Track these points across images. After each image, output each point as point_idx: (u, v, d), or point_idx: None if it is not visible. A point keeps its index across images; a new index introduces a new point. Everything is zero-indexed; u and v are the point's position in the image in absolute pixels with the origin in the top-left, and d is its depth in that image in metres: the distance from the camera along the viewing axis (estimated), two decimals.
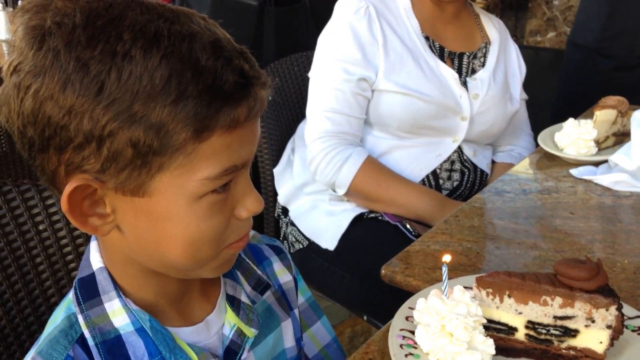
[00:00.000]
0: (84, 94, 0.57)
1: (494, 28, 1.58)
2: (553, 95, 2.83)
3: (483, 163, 1.54)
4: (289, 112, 1.72)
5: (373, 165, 1.41)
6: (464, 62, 1.50)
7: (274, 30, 2.43)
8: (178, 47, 0.58)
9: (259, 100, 0.63)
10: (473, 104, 1.47)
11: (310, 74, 1.47)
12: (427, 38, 1.47)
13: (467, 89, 1.47)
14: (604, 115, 1.43)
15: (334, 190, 1.44)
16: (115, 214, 0.64)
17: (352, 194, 1.42)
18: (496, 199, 1.25)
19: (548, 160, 1.41)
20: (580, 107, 1.75)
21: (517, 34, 3.82)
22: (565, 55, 2.25)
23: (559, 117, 1.70)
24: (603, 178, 1.29)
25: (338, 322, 2.17)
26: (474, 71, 1.50)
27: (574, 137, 1.40)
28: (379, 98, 1.41)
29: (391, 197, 1.40)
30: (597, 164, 1.37)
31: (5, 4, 2.48)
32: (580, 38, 2.12)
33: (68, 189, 0.61)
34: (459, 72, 1.48)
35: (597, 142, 1.41)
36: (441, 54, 1.48)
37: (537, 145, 1.48)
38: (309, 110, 1.45)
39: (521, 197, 1.26)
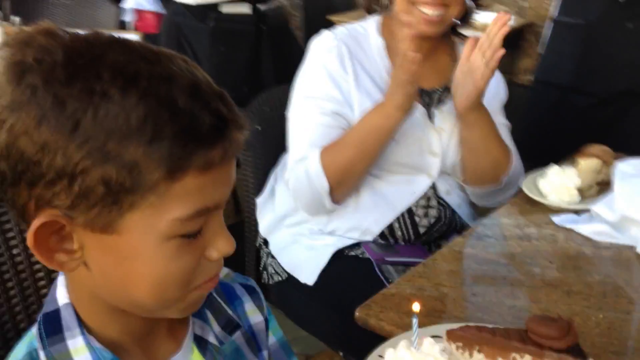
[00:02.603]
0: (59, 131, 0.57)
1: None
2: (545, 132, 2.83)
3: (455, 203, 1.53)
4: (277, 141, 1.72)
5: (328, 145, 1.39)
6: (435, 97, 1.50)
7: (271, 51, 2.48)
8: (156, 88, 0.58)
9: (234, 142, 0.63)
10: (442, 138, 1.47)
11: (288, 114, 1.48)
12: None
13: (434, 123, 1.47)
14: (588, 164, 1.44)
15: (325, 206, 1.40)
16: (83, 250, 0.63)
17: (337, 183, 1.38)
18: (476, 243, 1.25)
19: (530, 206, 1.42)
20: (557, 147, 1.74)
21: (510, 72, 3.86)
22: (533, 95, 2.27)
23: (535, 159, 1.70)
24: (584, 228, 1.30)
25: (315, 352, 2.15)
26: (443, 103, 1.50)
27: (557, 184, 1.41)
28: None
29: (357, 144, 1.36)
30: (579, 212, 1.38)
31: (3, 18, 2.49)
32: (553, 77, 2.16)
33: (35, 224, 0.60)
34: (429, 106, 1.49)
35: (580, 191, 1.42)
36: None
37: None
38: (289, 147, 1.45)
39: (502, 243, 1.26)
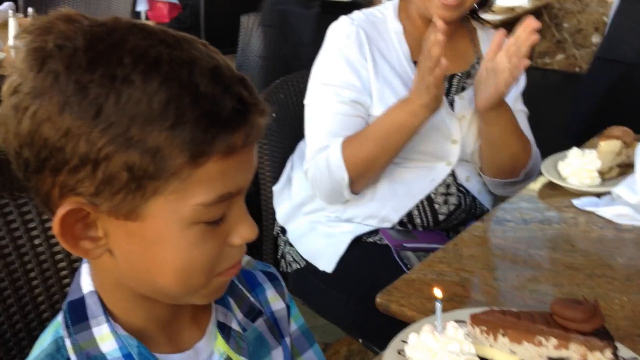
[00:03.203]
0: (81, 117, 0.57)
1: (488, 43, 1.51)
2: (561, 117, 2.75)
3: (475, 189, 1.51)
4: (293, 129, 1.72)
5: (350, 137, 1.38)
6: (454, 83, 1.48)
7: None
8: (178, 73, 0.58)
9: (256, 127, 0.63)
10: (462, 125, 1.45)
11: (305, 101, 1.46)
12: (417, 63, 1.43)
13: (454, 110, 1.45)
14: (609, 145, 1.42)
15: (344, 196, 1.39)
16: (108, 237, 0.63)
17: (357, 175, 1.37)
18: (496, 228, 1.24)
19: (550, 190, 1.40)
20: (615, 124, 1.68)
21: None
22: (591, 72, 2.20)
23: (586, 138, 1.65)
24: (605, 210, 1.28)
25: (334, 340, 2.15)
26: (463, 89, 1.48)
27: (577, 166, 1.39)
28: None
29: (381, 139, 1.35)
30: (600, 195, 1.36)
31: (16, 10, 2.50)
32: (617, 54, 2.08)
33: (61, 212, 0.61)
34: (448, 93, 1.47)
35: (601, 173, 1.40)
36: None
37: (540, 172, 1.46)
38: (308, 136, 1.44)
39: (522, 227, 1.25)
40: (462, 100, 1.46)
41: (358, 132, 1.38)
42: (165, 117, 0.57)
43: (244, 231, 0.66)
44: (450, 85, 1.48)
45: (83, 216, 0.62)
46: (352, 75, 1.40)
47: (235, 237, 0.65)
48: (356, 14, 1.48)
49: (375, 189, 1.45)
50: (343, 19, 1.46)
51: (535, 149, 1.52)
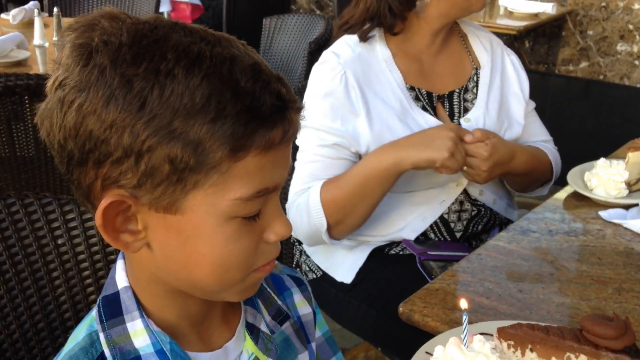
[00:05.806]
0: (126, 109, 0.59)
1: (483, 50, 1.47)
2: (584, 124, 2.69)
3: (490, 200, 1.47)
4: None
5: (331, 179, 1.32)
6: (455, 102, 1.42)
7: None
8: (219, 68, 0.60)
9: (293, 124, 0.64)
10: None
11: (297, 142, 1.39)
12: (412, 88, 1.38)
13: None
14: (637, 157, 1.39)
15: (324, 241, 1.34)
16: (147, 231, 0.64)
17: (335, 222, 1.30)
18: (521, 238, 1.22)
19: (576, 200, 1.38)
20: None
21: (548, 62, 3.78)
22: None
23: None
24: (633, 223, 1.26)
25: (351, 345, 2.14)
26: (466, 110, 1.42)
27: (604, 177, 1.37)
28: None
29: (357, 185, 1.27)
30: (627, 207, 1.34)
31: (41, 9, 2.52)
32: None
33: (103, 204, 0.62)
34: (451, 114, 1.41)
35: (629, 184, 1.37)
36: (430, 100, 1.40)
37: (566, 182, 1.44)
38: (292, 178, 1.39)
39: (547, 238, 1.23)
40: (469, 123, 1.40)
41: (339, 175, 1.31)
42: (206, 111, 0.59)
43: (278, 228, 0.67)
44: (452, 105, 1.42)
45: (124, 209, 0.63)
46: (336, 119, 1.32)
47: (270, 233, 0.67)
48: (341, 48, 1.36)
49: (387, 217, 1.40)
50: (328, 58, 1.35)
51: (552, 155, 1.50)
